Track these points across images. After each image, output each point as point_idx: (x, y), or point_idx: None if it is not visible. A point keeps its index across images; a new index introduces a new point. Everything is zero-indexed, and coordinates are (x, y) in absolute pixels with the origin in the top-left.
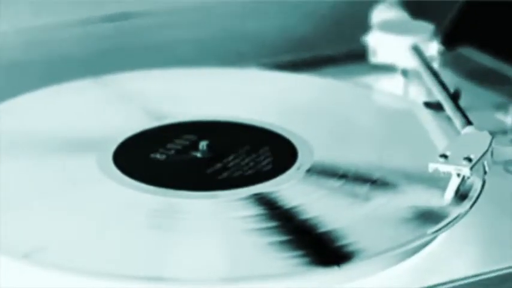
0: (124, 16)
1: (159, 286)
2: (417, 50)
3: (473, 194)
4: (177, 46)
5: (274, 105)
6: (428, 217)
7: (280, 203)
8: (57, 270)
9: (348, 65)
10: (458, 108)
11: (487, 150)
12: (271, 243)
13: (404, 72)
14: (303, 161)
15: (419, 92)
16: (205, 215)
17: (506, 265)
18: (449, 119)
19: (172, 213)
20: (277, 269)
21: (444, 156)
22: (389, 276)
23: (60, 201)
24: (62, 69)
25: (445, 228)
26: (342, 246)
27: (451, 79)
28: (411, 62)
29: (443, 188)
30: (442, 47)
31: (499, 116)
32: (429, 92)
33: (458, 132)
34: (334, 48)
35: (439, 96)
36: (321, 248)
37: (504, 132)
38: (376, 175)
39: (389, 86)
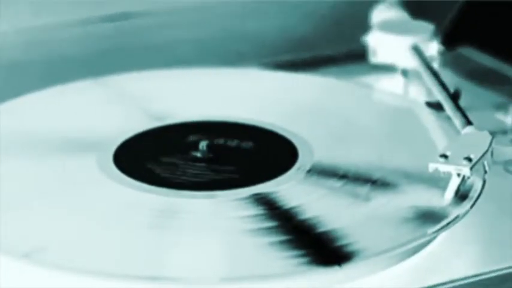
0: (124, 16)
1: (159, 286)
2: (417, 50)
3: (473, 194)
4: (177, 46)
5: (275, 105)
6: (429, 217)
7: (280, 203)
8: (57, 270)
9: (348, 65)
10: (458, 108)
11: (487, 150)
12: (272, 243)
13: (404, 72)
14: (303, 161)
15: (419, 92)
16: (205, 215)
17: (506, 265)
18: (449, 119)
19: (172, 213)
20: (277, 269)
21: (444, 156)
22: (390, 276)
23: (60, 201)
24: (62, 69)
25: (445, 228)
26: (342, 246)
27: (451, 79)
28: (411, 62)
29: (444, 188)
30: (442, 47)
31: (499, 116)
32: (429, 92)
33: (458, 132)
34: (334, 48)
35: (439, 96)
36: (321, 248)
37: (504, 132)
38: (376, 175)
39: (389, 86)
